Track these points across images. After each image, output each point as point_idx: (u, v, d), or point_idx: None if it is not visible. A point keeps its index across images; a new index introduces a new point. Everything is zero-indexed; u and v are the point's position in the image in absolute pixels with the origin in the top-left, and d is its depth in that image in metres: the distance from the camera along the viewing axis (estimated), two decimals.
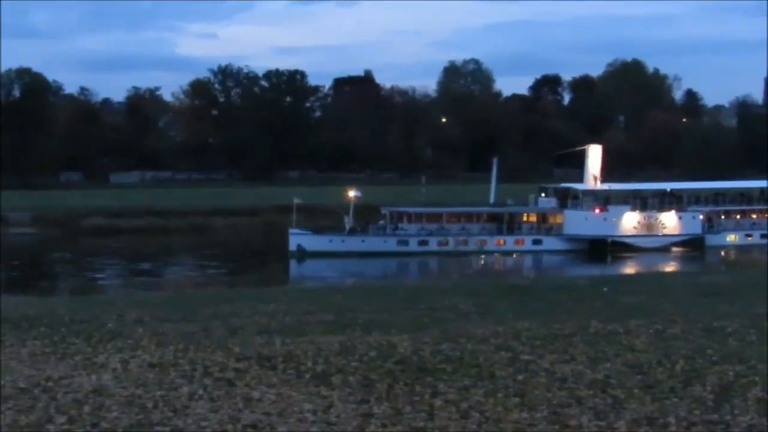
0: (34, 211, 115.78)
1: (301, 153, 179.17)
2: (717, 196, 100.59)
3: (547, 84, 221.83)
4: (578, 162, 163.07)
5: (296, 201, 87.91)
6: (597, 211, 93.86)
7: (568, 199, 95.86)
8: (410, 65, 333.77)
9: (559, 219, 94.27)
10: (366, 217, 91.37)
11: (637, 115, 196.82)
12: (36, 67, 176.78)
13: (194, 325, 17.76)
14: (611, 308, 19.97)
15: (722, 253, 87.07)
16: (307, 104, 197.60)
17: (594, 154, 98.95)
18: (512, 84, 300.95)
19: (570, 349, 14.84)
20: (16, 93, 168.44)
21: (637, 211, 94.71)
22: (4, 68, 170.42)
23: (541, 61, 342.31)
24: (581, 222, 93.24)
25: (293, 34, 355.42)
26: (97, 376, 13.11)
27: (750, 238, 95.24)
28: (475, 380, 12.82)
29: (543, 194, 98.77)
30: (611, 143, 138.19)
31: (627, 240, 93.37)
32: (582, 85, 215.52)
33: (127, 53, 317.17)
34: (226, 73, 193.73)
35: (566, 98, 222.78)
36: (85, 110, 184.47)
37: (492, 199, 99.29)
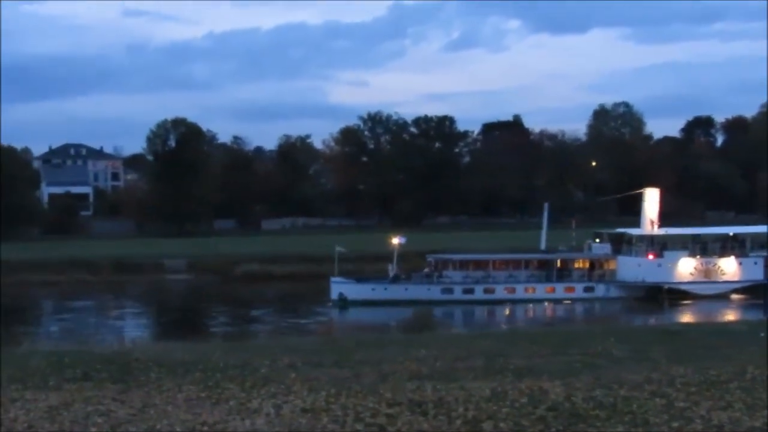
0: (189, 257, 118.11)
1: (450, 198, 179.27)
2: None
3: (700, 126, 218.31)
4: (736, 205, 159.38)
5: (338, 249, 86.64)
6: (650, 256, 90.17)
7: (622, 245, 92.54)
8: (560, 109, 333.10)
9: (612, 265, 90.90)
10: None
11: None
12: (191, 117, 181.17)
13: (346, 370, 17.83)
14: None
15: None
16: (456, 150, 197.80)
17: (651, 198, 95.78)
18: (663, 126, 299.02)
19: (726, 395, 14.51)
20: (172, 143, 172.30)
21: (694, 257, 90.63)
22: (161, 118, 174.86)
23: (693, 103, 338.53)
24: (634, 268, 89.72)
25: (443, 81, 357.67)
26: (251, 421, 13.25)
27: None
28: (628, 427, 12.62)
29: (597, 240, 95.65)
30: (765, 184, 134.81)
31: (683, 287, 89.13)
32: (735, 126, 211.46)
33: (280, 102, 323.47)
34: (375, 120, 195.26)
35: (719, 140, 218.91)
36: (238, 158, 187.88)
37: (543, 245, 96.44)
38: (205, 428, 12.84)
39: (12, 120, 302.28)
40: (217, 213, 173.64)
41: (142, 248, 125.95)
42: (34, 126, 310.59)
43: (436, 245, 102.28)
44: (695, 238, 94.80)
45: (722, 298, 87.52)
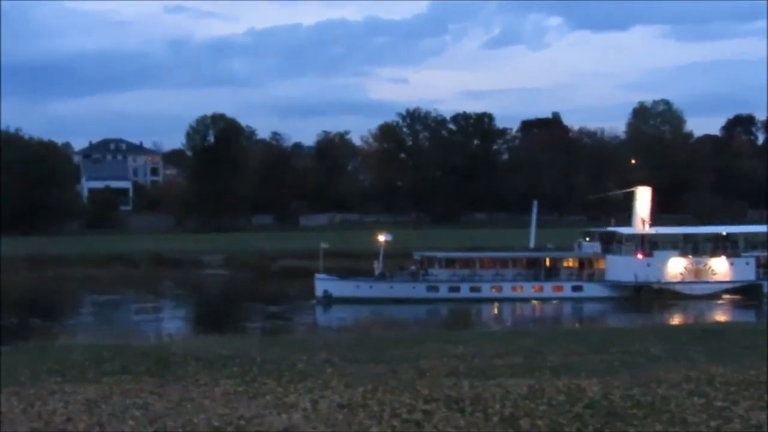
0: (226, 253, 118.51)
1: (488, 195, 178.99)
2: None
3: (741, 124, 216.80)
4: None
5: (323, 245, 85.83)
6: (640, 256, 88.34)
7: (612, 244, 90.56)
8: (599, 107, 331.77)
9: (601, 264, 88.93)
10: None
11: None
12: (231, 113, 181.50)
13: (382, 366, 17.84)
14: None
15: None
16: (495, 147, 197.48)
17: (642, 197, 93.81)
18: (704, 124, 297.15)
19: (766, 395, 14.40)
20: (211, 138, 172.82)
21: (685, 257, 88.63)
22: (200, 114, 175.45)
23: (734, 101, 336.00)
24: (624, 267, 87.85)
25: (483, 78, 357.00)
26: (288, 415, 13.27)
27: None
28: (666, 426, 12.54)
29: (587, 238, 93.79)
30: None
31: (673, 287, 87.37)
32: None
33: (320, 98, 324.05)
34: (414, 116, 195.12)
35: (760, 138, 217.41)
36: (277, 155, 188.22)
37: (532, 244, 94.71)
38: (242, 422, 12.87)
39: (53, 115, 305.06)
40: (255, 209, 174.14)
41: (180, 243, 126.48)
42: (75, 121, 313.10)
43: (472, 242, 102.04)
44: (687, 237, 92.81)
45: (713, 298, 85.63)
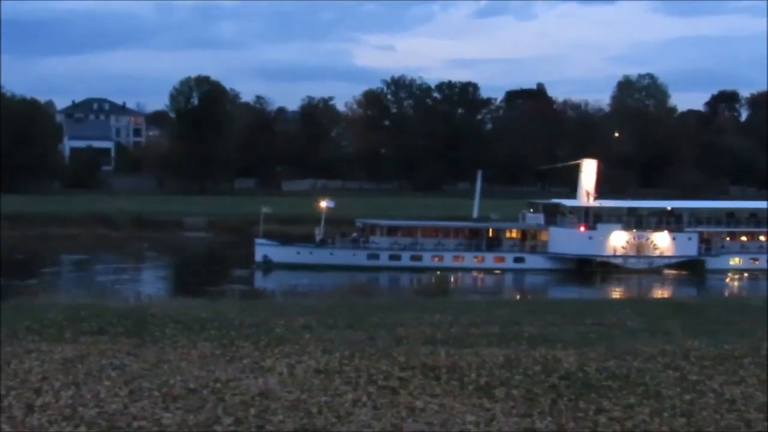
0: (208, 216, 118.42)
1: (471, 165, 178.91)
2: (727, 217, 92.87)
3: (725, 100, 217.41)
4: (759, 180, 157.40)
5: (264, 210, 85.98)
6: (582, 228, 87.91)
7: (557, 216, 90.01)
8: (584, 79, 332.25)
9: (544, 237, 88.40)
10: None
11: None
12: (216, 76, 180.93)
13: (360, 333, 17.89)
14: None
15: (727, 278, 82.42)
16: (479, 116, 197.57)
17: (588, 169, 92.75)
18: (688, 100, 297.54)
19: (740, 370, 14.49)
20: (195, 101, 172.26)
21: (628, 230, 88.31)
22: (184, 76, 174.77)
23: (719, 77, 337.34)
24: (566, 240, 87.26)
25: (470, 47, 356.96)
26: (264, 379, 13.30)
27: (756, 262, 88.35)
28: (640, 399, 12.62)
29: (531, 210, 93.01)
30: None
31: (615, 260, 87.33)
32: (760, 101, 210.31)
33: (306, 63, 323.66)
34: (399, 84, 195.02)
35: (744, 115, 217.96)
36: (261, 118, 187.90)
37: (475, 214, 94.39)
38: (218, 385, 12.89)
39: (36, 73, 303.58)
40: (238, 172, 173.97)
41: (162, 205, 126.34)
42: (58, 80, 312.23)
43: (453, 211, 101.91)
44: (631, 211, 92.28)
45: (655, 272, 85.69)
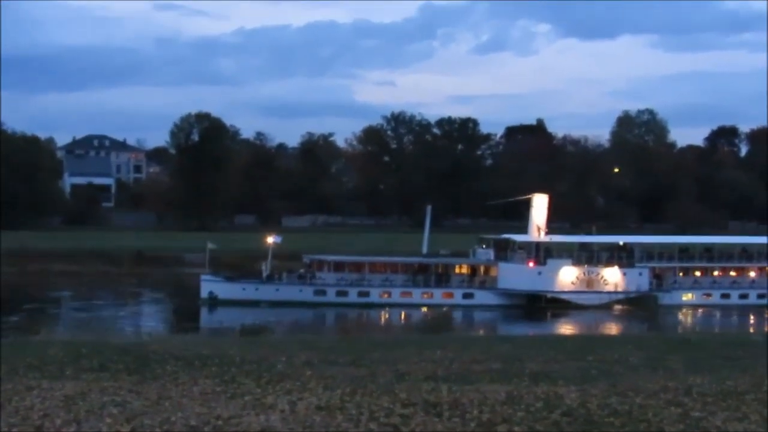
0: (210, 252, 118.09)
1: (471, 201, 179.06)
2: (681, 252, 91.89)
3: (724, 135, 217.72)
4: (759, 215, 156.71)
5: (210, 246, 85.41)
6: (531, 264, 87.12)
7: (507, 251, 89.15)
8: (584, 114, 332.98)
9: (493, 272, 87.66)
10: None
11: None
12: (216, 112, 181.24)
13: (362, 369, 17.86)
14: None
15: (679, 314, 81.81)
16: (479, 152, 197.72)
17: (539, 204, 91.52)
18: (687, 135, 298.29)
19: (743, 407, 14.44)
20: (195, 137, 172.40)
21: (578, 266, 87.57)
22: (185, 113, 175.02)
23: (718, 112, 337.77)
24: (516, 276, 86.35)
25: (470, 83, 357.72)
26: (266, 416, 13.27)
27: (709, 298, 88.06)
28: None
29: (483, 245, 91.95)
30: None
31: (564, 296, 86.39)
32: (760, 136, 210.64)
33: (306, 99, 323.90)
34: (399, 120, 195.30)
35: (743, 150, 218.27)
36: (261, 155, 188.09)
37: (425, 249, 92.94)
38: (220, 422, 12.86)
39: (37, 110, 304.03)
40: (238, 208, 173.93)
41: (162, 241, 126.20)
42: (59, 116, 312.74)
43: (451, 246, 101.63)
44: (583, 246, 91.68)
45: (605, 308, 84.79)
